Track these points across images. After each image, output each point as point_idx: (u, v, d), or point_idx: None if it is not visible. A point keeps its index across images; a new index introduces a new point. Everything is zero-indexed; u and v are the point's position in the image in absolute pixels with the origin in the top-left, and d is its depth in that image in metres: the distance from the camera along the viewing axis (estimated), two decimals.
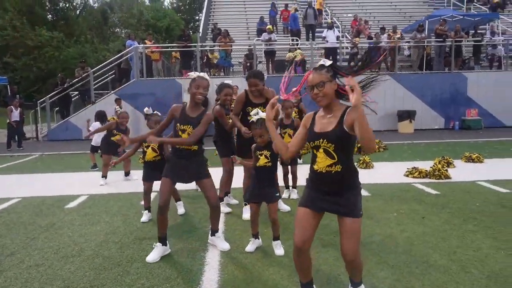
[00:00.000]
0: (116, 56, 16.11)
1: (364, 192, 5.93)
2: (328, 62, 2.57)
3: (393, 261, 3.55)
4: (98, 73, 15.64)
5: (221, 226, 4.59)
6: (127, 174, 7.29)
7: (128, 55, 15.00)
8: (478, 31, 17.40)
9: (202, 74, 3.74)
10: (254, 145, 3.85)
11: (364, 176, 6.87)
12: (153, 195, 5.18)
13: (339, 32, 16.86)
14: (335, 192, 2.57)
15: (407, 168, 7.19)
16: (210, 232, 4.05)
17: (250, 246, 3.85)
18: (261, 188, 3.77)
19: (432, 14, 18.39)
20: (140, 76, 14.39)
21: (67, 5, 40.16)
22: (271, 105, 2.65)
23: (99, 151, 8.33)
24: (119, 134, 7.09)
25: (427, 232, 4.27)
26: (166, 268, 3.51)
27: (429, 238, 4.08)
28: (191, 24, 47.08)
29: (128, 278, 3.33)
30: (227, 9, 23.14)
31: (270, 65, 15.73)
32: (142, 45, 15.00)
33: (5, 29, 29.64)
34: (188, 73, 3.86)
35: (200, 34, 18.43)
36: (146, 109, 5.02)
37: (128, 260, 3.71)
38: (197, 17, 48.88)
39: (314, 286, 2.84)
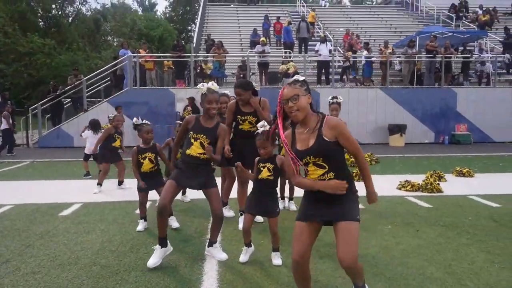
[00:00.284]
0: (110, 65, 16.10)
1: None
2: (301, 78, 2.67)
3: (390, 273, 3.60)
4: (91, 81, 15.59)
5: (218, 237, 4.60)
6: (120, 183, 7.26)
7: (122, 64, 15.01)
8: (467, 48, 17.77)
9: (210, 85, 3.81)
10: (257, 158, 3.87)
11: (357, 188, 6.97)
12: (148, 203, 5.17)
13: (332, 45, 17.10)
14: (331, 199, 2.59)
15: (400, 181, 7.28)
16: (207, 243, 4.05)
17: (244, 256, 3.85)
18: (261, 201, 3.77)
19: (423, 30, 18.76)
20: (133, 85, 14.39)
21: (60, 13, 40.12)
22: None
23: (91, 159, 8.31)
24: (119, 137, 7.11)
25: (422, 244, 4.32)
26: (165, 277, 3.51)
27: (424, 251, 4.13)
28: (184, 35, 47.26)
29: (126, 287, 3.32)
30: (220, 20, 23.32)
31: (263, 76, 15.86)
32: (136, 54, 15.01)
33: None
34: (197, 86, 3.93)
35: (194, 45, 18.54)
36: (135, 119, 4.98)
37: (125, 268, 3.70)
38: (189, 28, 49.15)
39: None
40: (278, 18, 20.00)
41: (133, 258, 3.95)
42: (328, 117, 2.65)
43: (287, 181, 5.74)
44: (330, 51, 15.93)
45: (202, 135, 3.75)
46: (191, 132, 3.78)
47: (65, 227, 4.99)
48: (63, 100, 15.56)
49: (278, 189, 4.85)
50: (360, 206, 5.91)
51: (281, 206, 5.74)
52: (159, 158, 4.89)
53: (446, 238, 4.54)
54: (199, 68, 15.95)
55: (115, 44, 41.00)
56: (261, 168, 3.77)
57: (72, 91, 15.13)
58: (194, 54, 15.94)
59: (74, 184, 7.76)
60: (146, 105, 13.99)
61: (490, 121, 14.98)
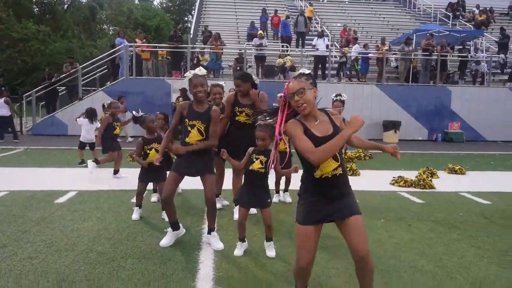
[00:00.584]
0: (106, 54, 16.00)
1: None
2: (307, 71, 2.65)
3: (383, 265, 3.67)
4: (86, 69, 15.50)
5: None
6: (116, 172, 7.27)
7: (118, 53, 14.93)
8: (466, 47, 17.83)
9: (196, 70, 3.86)
10: (252, 148, 3.88)
11: (351, 183, 7.03)
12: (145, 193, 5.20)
13: (329, 41, 17.12)
14: (336, 197, 2.58)
15: (393, 177, 7.37)
16: (207, 230, 4.09)
17: (238, 251, 3.86)
18: (252, 192, 3.79)
19: (420, 28, 18.84)
20: (129, 74, 14.33)
21: None
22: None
23: (87, 148, 8.31)
24: (118, 124, 7.13)
25: (414, 239, 4.41)
26: (161, 265, 3.56)
27: (416, 245, 4.22)
28: (180, 25, 46.97)
29: (123, 274, 3.36)
30: (218, 12, 23.21)
31: (260, 70, 15.87)
32: (133, 43, 14.92)
33: None
34: (184, 75, 3.96)
35: (191, 36, 18.47)
36: (134, 112, 5.00)
37: (122, 256, 3.74)
38: (186, 18, 48.85)
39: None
40: (276, 11, 19.97)
41: (130, 246, 3.99)
42: (330, 110, 2.69)
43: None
44: (327, 46, 15.96)
45: (197, 121, 3.82)
46: (187, 120, 3.84)
47: (61, 214, 5.01)
48: (58, 88, 15.46)
49: (274, 183, 4.89)
50: None
51: (276, 199, 5.78)
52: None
53: (438, 233, 4.63)
54: (195, 59, 15.91)
55: (111, 33, 40.66)
56: (254, 159, 3.77)
57: (67, 79, 15.03)
58: (191, 45, 15.90)
59: (69, 172, 7.76)
60: (141, 95, 13.95)
61: (483, 120, 15.13)
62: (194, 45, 17.31)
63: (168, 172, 4.11)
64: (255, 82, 4.94)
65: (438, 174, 7.99)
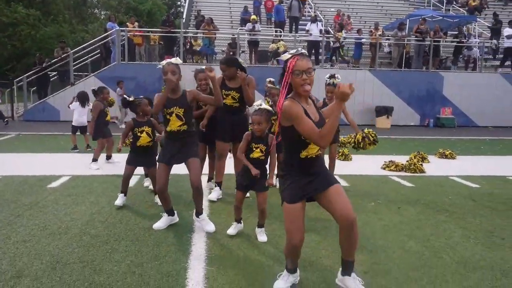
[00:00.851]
0: (98, 38, 15.82)
1: (343, 183, 6.15)
2: (304, 51, 2.68)
3: (371, 246, 3.75)
4: (77, 54, 15.33)
5: (206, 210, 4.71)
6: (109, 157, 7.27)
7: (110, 38, 14.77)
8: (463, 32, 17.79)
9: (172, 59, 3.91)
10: (249, 132, 3.85)
11: (343, 168, 7.13)
12: (135, 179, 5.23)
13: (322, 26, 17.04)
14: (317, 172, 2.72)
15: (384, 162, 7.45)
16: (194, 214, 4.12)
17: (232, 230, 3.93)
18: (251, 177, 3.77)
19: (413, 13, 18.78)
20: (121, 59, 14.21)
21: None
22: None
23: (78, 133, 8.29)
24: (108, 110, 7.13)
25: (403, 221, 4.49)
26: (154, 247, 3.61)
27: (405, 227, 4.30)
28: (173, 10, 46.40)
29: (117, 255, 3.41)
30: None
31: (253, 55, 15.80)
32: (125, 28, 14.76)
33: None
34: (161, 62, 3.98)
35: (184, 21, 18.28)
36: (126, 97, 4.90)
37: (115, 238, 3.78)
38: (179, 3, 48.21)
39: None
40: None
41: (123, 229, 4.03)
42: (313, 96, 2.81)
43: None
44: (320, 31, 15.90)
45: (174, 107, 3.85)
46: (164, 109, 3.88)
47: (54, 198, 5.03)
48: (49, 73, 15.30)
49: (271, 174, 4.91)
50: (345, 184, 6.11)
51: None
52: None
53: (426, 215, 4.72)
54: (188, 44, 15.80)
55: (102, 17, 40.07)
56: (253, 149, 3.77)
57: (58, 64, 14.87)
58: (184, 30, 15.75)
59: (62, 157, 7.76)
60: (134, 80, 13.84)
61: (475, 105, 15.24)
62: (187, 30, 17.16)
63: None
64: (243, 65, 4.92)
65: (429, 159, 8.09)
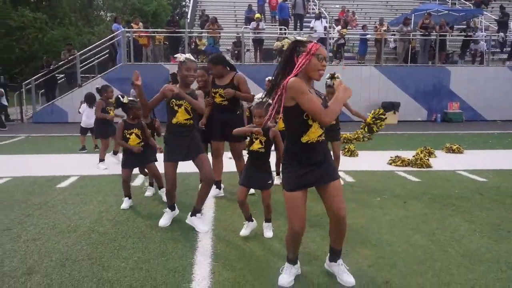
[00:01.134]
0: (104, 40, 15.94)
1: (349, 179, 6.17)
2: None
3: (377, 240, 3.77)
4: (84, 56, 15.46)
5: (212, 206, 4.77)
6: (116, 152, 7.29)
7: (115, 39, 14.87)
8: (471, 26, 17.64)
9: (188, 56, 3.92)
10: (253, 125, 3.83)
11: (349, 164, 7.15)
12: (140, 180, 5.28)
13: (327, 22, 17.02)
14: (318, 162, 2.76)
15: (390, 157, 7.44)
16: (191, 212, 4.04)
17: (244, 230, 3.86)
18: (253, 173, 3.79)
19: (418, 8, 18.66)
20: (127, 60, 14.31)
21: None
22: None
23: (89, 134, 8.38)
24: (111, 109, 7.14)
25: (409, 215, 4.50)
26: (161, 244, 3.66)
27: (410, 221, 4.31)
28: (178, 10, 46.50)
29: (124, 252, 3.47)
30: None
31: (258, 53, 15.81)
32: (130, 29, 14.85)
33: None
34: (175, 56, 4.01)
35: (188, 20, 18.35)
36: (120, 97, 4.88)
37: (123, 236, 3.84)
38: (183, 3, 48.29)
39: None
40: None
41: (130, 227, 4.09)
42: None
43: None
44: (325, 27, 15.87)
45: (184, 101, 3.87)
46: (173, 100, 3.90)
47: (63, 198, 5.11)
48: (56, 75, 15.46)
49: (275, 164, 4.93)
50: (351, 179, 6.12)
51: (277, 182, 5.80)
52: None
53: (432, 209, 4.72)
54: (193, 44, 15.86)
55: (108, 19, 40.31)
56: (254, 140, 3.77)
57: (65, 66, 15.02)
58: (189, 30, 15.82)
59: (70, 158, 7.85)
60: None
61: (483, 99, 15.11)
62: (192, 30, 17.23)
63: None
64: (230, 63, 4.95)
65: (436, 154, 8.06)
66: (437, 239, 3.80)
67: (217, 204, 4.88)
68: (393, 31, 16.76)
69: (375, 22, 17.34)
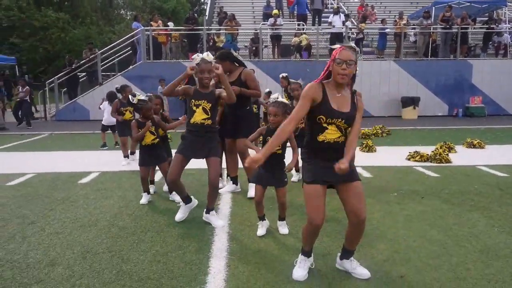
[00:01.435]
0: (124, 38, 16.20)
1: (366, 174, 6.14)
2: (357, 48, 2.78)
3: (392, 235, 3.77)
4: (105, 55, 15.76)
5: (228, 201, 4.83)
6: (132, 153, 7.42)
7: (135, 38, 15.09)
8: (493, 18, 17.18)
9: (205, 55, 3.94)
10: (264, 127, 3.89)
11: (367, 159, 7.11)
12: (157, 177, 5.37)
13: (345, 17, 16.86)
14: (335, 160, 2.71)
15: (409, 152, 7.37)
16: (205, 210, 4.12)
17: (261, 230, 3.86)
18: (270, 172, 3.78)
19: (439, 0, 18.30)
20: (147, 58, 14.51)
21: None
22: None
23: (109, 130, 8.57)
24: (126, 109, 7.24)
25: (426, 210, 4.47)
26: (178, 238, 3.74)
27: (427, 216, 4.28)
28: (197, 7, 46.80)
29: (143, 246, 3.56)
30: None
31: (276, 49, 15.81)
32: (149, 27, 15.04)
33: (12, 10, 29.65)
34: (192, 56, 4.05)
35: (207, 18, 18.47)
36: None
37: (142, 230, 3.94)
38: (202, 0, 48.57)
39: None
40: None
41: (149, 221, 4.19)
42: (358, 91, 2.83)
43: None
44: (343, 22, 15.75)
45: (203, 101, 3.93)
46: (192, 100, 3.95)
47: (84, 193, 5.26)
48: (78, 74, 15.81)
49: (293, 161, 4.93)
50: (368, 175, 6.10)
51: (295, 178, 5.81)
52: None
53: (450, 204, 4.67)
54: (211, 41, 15.96)
55: (128, 18, 40.90)
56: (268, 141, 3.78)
57: (87, 65, 15.35)
58: (207, 27, 15.93)
59: (92, 154, 8.05)
60: (159, 78, 14.12)
61: (506, 93, 14.76)
62: (210, 27, 17.34)
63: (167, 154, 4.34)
64: (238, 59, 4.88)
65: (456, 149, 7.94)
66: (454, 234, 3.77)
67: (234, 200, 4.94)
68: (413, 25, 16.50)
69: (395, 16, 17.09)
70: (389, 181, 5.78)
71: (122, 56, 16.45)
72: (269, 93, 7.73)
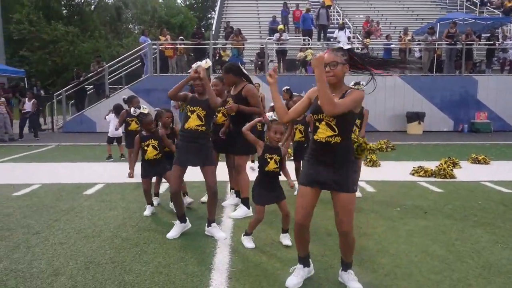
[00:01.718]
0: (131, 52, 16.42)
1: (369, 188, 6.15)
2: (346, 46, 2.82)
3: (394, 250, 3.77)
4: (112, 68, 15.97)
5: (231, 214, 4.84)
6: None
7: (142, 51, 15.30)
8: (495, 35, 17.27)
9: (203, 62, 4.07)
10: (262, 143, 3.85)
11: (371, 174, 7.11)
12: (163, 188, 5.42)
13: (350, 33, 17.01)
14: (331, 163, 2.78)
15: (413, 167, 7.37)
16: (207, 223, 4.15)
17: (250, 244, 3.86)
18: (269, 190, 3.81)
19: (444, 17, 18.45)
20: (153, 71, 14.69)
21: (82, 0, 40.75)
22: (270, 74, 2.92)
23: (115, 143, 8.66)
24: (132, 120, 7.29)
25: (429, 225, 4.46)
26: (181, 249, 3.77)
27: (430, 231, 4.28)
28: (204, 22, 47.43)
29: (145, 257, 3.59)
30: (239, 8, 23.35)
31: (282, 64, 15.95)
32: (157, 41, 15.25)
33: (22, 23, 30.21)
34: (192, 65, 4.15)
35: (213, 32, 18.70)
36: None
37: (145, 241, 3.97)
38: (209, 15, 49.26)
39: (310, 260, 3.15)
40: (297, 5, 19.93)
41: (152, 233, 4.22)
42: (355, 90, 2.86)
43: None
44: (348, 38, 15.88)
45: (198, 107, 4.01)
46: (188, 106, 4.04)
47: (89, 204, 5.31)
48: (86, 86, 16.01)
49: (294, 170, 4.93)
50: (372, 190, 6.10)
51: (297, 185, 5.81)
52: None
53: (453, 220, 4.66)
54: (217, 55, 16.14)
55: (136, 32, 41.49)
56: (268, 160, 3.74)
57: (94, 78, 15.54)
58: (213, 42, 16.12)
59: (97, 166, 8.11)
60: (165, 92, 14.17)
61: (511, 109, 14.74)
62: (216, 41, 17.54)
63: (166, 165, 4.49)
64: (243, 73, 4.90)
65: (461, 164, 7.93)
66: (456, 250, 3.76)
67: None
68: (418, 41, 16.59)
69: (400, 31, 17.21)
70: (393, 195, 5.78)
71: (129, 70, 16.65)
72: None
